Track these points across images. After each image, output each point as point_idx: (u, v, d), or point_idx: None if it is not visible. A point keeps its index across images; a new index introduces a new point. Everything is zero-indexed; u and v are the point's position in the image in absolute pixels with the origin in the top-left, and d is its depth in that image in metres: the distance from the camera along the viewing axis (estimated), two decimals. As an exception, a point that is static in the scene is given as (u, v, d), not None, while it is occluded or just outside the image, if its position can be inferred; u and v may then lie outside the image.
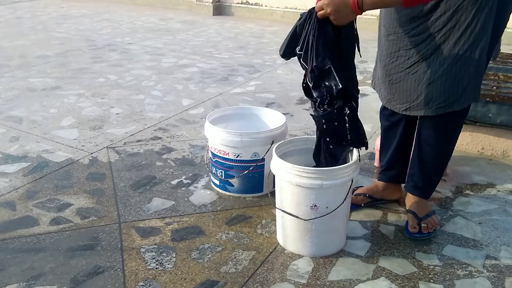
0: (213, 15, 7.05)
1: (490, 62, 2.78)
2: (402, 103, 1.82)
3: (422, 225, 1.88)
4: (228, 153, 2.09)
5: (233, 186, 2.15)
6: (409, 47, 1.73)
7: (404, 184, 2.04)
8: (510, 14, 1.75)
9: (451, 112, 1.75)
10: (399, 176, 2.07)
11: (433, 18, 1.66)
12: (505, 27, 1.75)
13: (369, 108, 3.23)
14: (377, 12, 1.66)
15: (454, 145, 1.93)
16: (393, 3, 1.61)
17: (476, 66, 1.70)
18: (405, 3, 1.53)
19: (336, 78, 1.59)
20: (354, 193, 2.07)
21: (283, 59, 1.74)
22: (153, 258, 1.74)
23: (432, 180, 1.95)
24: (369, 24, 5.72)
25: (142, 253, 1.77)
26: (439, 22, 1.65)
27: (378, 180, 2.11)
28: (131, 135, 2.80)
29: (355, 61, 1.69)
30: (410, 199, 2.00)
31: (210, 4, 7.09)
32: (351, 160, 1.76)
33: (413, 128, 1.96)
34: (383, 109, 2.00)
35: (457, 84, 1.70)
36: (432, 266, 1.73)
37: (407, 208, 1.99)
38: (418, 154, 1.89)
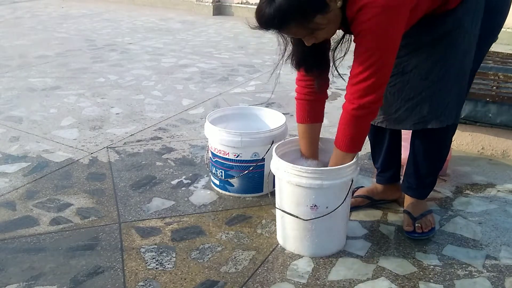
0: (213, 15, 7.05)
1: (490, 61, 2.79)
2: (378, 115, 1.77)
3: (416, 224, 1.88)
4: (228, 153, 2.09)
5: (233, 186, 2.15)
6: None
7: (401, 184, 2.04)
8: (499, 23, 1.74)
9: (433, 129, 1.72)
10: (396, 175, 2.06)
11: (420, 36, 1.62)
12: (496, 36, 1.74)
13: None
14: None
15: (447, 152, 1.92)
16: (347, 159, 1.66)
17: (459, 86, 1.68)
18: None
19: None
20: (354, 195, 2.07)
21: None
22: (153, 258, 1.74)
23: (425, 181, 1.93)
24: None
25: (142, 253, 1.77)
26: (425, 39, 1.62)
27: (376, 182, 2.11)
28: (131, 135, 2.80)
29: None
30: (407, 199, 1.99)
31: (210, 4, 7.09)
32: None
33: (399, 130, 1.95)
34: None
35: (437, 102, 1.67)
36: (432, 266, 1.73)
37: (403, 208, 1.99)
38: (413, 156, 1.88)
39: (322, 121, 1.86)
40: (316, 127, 1.84)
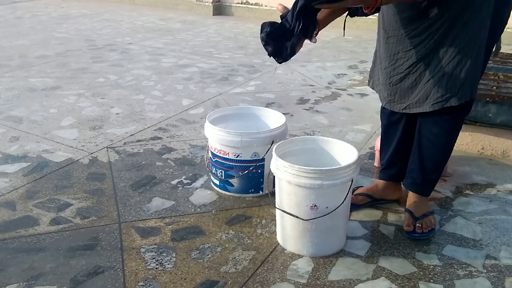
0: (213, 15, 7.04)
1: (490, 61, 2.79)
2: (402, 103, 1.83)
3: (417, 224, 1.88)
4: (228, 153, 2.09)
5: (233, 186, 2.15)
6: (408, 48, 1.74)
7: (404, 181, 2.04)
8: (510, 11, 1.75)
9: (451, 108, 1.75)
10: (400, 174, 2.06)
11: (433, 19, 1.66)
12: (505, 24, 1.76)
13: (369, 108, 3.23)
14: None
15: (454, 143, 1.93)
16: None
17: (473, 61, 1.71)
18: None
19: None
20: (354, 193, 2.07)
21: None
22: (153, 258, 1.74)
23: (431, 177, 1.94)
24: (369, 25, 5.72)
25: (142, 253, 1.77)
26: (439, 22, 1.66)
27: (378, 179, 2.11)
28: (131, 135, 2.81)
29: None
30: (410, 199, 1.99)
31: (210, 4, 7.09)
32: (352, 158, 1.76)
33: (413, 125, 1.96)
34: (384, 108, 2.00)
35: (454, 79, 1.71)
36: (432, 266, 1.73)
37: (405, 207, 1.99)
38: (418, 151, 1.89)
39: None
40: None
